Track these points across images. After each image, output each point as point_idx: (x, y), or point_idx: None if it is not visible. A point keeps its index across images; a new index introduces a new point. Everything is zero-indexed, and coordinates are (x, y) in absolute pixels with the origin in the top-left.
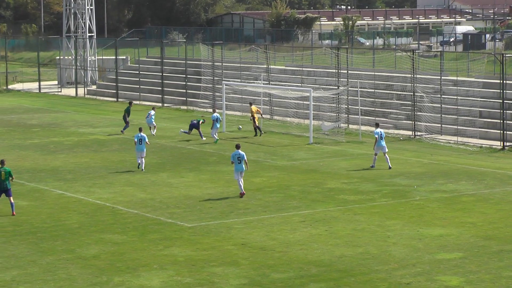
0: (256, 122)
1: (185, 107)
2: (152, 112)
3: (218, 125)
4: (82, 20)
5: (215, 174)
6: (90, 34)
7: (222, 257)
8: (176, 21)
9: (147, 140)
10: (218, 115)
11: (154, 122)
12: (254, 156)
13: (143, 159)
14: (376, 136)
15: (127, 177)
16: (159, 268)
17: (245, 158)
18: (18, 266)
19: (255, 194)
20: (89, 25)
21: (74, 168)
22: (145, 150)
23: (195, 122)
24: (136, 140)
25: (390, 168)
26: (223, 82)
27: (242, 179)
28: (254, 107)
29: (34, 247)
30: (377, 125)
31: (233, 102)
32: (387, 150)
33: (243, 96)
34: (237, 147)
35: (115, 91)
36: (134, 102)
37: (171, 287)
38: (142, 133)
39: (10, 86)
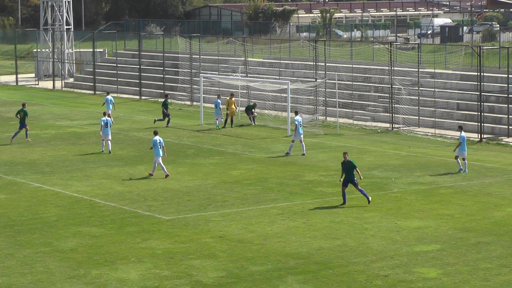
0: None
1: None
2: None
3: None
4: (59, 12)
5: (193, 166)
6: (67, 27)
7: (200, 249)
8: (153, 13)
9: (112, 122)
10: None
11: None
12: (232, 148)
13: (109, 142)
14: (296, 123)
15: (104, 169)
16: (137, 261)
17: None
18: None
19: (233, 186)
20: (66, 17)
21: (51, 161)
22: (110, 133)
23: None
24: (102, 124)
25: (303, 155)
26: (200, 74)
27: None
28: (234, 99)
29: (11, 240)
30: (296, 113)
31: (210, 94)
32: (302, 137)
33: (221, 89)
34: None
35: (92, 84)
36: (112, 94)
37: (149, 280)
38: (108, 117)
39: None
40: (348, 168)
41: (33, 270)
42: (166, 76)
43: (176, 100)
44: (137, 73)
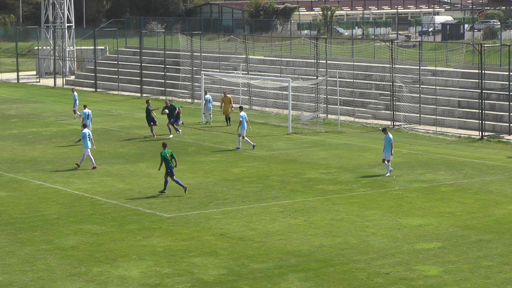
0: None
1: (164, 97)
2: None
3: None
4: (60, 10)
5: (194, 164)
6: (68, 25)
7: (201, 247)
8: (155, 11)
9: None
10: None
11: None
12: (233, 146)
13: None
14: (241, 119)
15: (106, 167)
16: (138, 259)
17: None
18: None
19: (234, 184)
20: (67, 15)
21: (52, 159)
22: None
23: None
24: (83, 116)
25: (253, 147)
26: (202, 72)
27: None
28: (229, 97)
29: (12, 238)
30: (241, 109)
31: (212, 92)
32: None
33: (222, 86)
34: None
35: (93, 82)
36: (113, 92)
37: (150, 277)
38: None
39: None
40: None
41: (34, 268)
42: (167, 73)
43: (177, 97)
44: (138, 71)
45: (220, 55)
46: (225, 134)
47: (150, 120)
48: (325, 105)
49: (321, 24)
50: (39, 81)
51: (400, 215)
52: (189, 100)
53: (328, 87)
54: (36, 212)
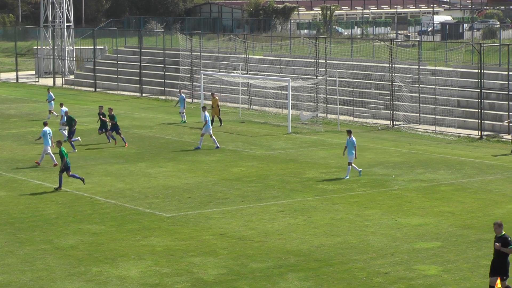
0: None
1: (163, 97)
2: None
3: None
4: (59, 9)
5: (193, 164)
6: (67, 24)
7: (200, 247)
8: (154, 10)
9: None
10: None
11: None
12: (232, 145)
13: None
14: (207, 119)
15: (105, 167)
16: (138, 258)
17: None
18: None
19: (233, 184)
20: (66, 14)
21: (50, 159)
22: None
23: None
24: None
25: (217, 147)
26: (201, 72)
27: None
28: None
29: (12, 238)
30: (204, 109)
31: (211, 91)
32: (212, 132)
33: (222, 86)
34: None
35: (93, 81)
36: (112, 92)
37: (150, 277)
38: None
39: None
40: None
41: (33, 268)
42: (167, 73)
43: (176, 97)
44: (138, 70)
45: (220, 54)
46: (225, 134)
47: (103, 126)
48: (325, 105)
49: (321, 24)
50: (38, 81)
51: (400, 214)
52: (189, 100)
53: (327, 87)
54: (36, 212)
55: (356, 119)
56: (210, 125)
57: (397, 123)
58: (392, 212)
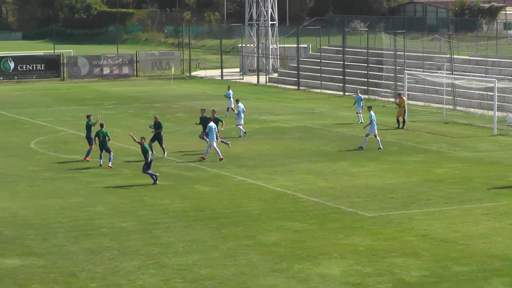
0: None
1: (366, 96)
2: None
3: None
4: (264, 8)
5: (396, 164)
6: (272, 22)
7: (402, 248)
8: (357, 9)
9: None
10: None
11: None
12: (436, 146)
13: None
14: (372, 119)
15: (307, 165)
16: (339, 257)
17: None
18: (200, 251)
19: (436, 185)
20: (271, 13)
21: (255, 155)
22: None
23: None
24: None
25: (379, 148)
26: (405, 71)
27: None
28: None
29: (215, 232)
30: (370, 108)
31: (415, 91)
32: (376, 132)
33: (426, 86)
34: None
35: (296, 79)
36: (315, 90)
37: (351, 276)
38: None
39: (193, 73)
40: None
41: (236, 263)
42: (370, 72)
43: (379, 96)
44: (341, 69)
45: (424, 54)
46: (428, 135)
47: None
48: None
49: None
50: (242, 78)
51: None
52: (392, 100)
53: None
54: (239, 208)
55: None
56: (375, 125)
57: None
58: None
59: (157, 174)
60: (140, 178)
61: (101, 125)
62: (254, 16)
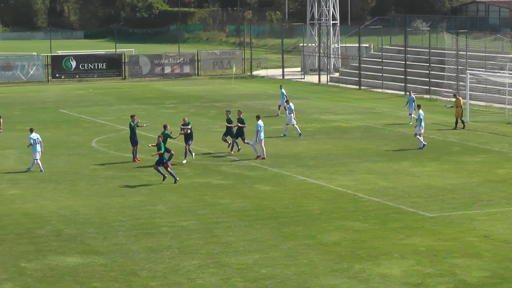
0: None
1: (428, 96)
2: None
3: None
4: (325, 7)
5: (458, 164)
6: (333, 22)
7: (464, 248)
8: (419, 9)
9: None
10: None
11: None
12: (498, 147)
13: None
14: (421, 117)
15: (368, 165)
16: (400, 257)
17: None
18: (260, 250)
19: (498, 185)
20: (332, 12)
21: (316, 155)
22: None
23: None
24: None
25: (421, 148)
26: (467, 71)
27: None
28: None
29: (276, 232)
30: (418, 107)
31: (476, 91)
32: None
33: (488, 86)
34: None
35: (357, 79)
36: (377, 90)
37: (412, 276)
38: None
39: (254, 72)
40: None
41: (296, 262)
42: (432, 72)
43: (441, 96)
44: (402, 69)
45: (486, 54)
46: (490, 135)
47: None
48: None
49: None
50: (303, 78)
51: None
52: (453, 99)
53: None
54: (299, 207)
55: None
56: (423, 125)
57: None
58: None
59: (166, 175)
60: (201, 177)
61: (164, 127)
62: (316, 16)
